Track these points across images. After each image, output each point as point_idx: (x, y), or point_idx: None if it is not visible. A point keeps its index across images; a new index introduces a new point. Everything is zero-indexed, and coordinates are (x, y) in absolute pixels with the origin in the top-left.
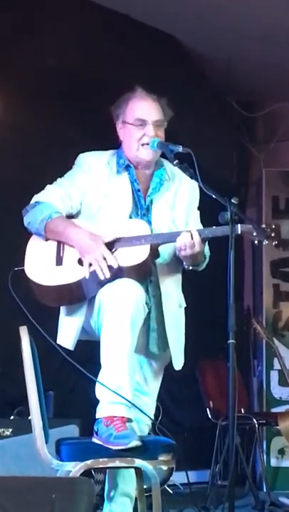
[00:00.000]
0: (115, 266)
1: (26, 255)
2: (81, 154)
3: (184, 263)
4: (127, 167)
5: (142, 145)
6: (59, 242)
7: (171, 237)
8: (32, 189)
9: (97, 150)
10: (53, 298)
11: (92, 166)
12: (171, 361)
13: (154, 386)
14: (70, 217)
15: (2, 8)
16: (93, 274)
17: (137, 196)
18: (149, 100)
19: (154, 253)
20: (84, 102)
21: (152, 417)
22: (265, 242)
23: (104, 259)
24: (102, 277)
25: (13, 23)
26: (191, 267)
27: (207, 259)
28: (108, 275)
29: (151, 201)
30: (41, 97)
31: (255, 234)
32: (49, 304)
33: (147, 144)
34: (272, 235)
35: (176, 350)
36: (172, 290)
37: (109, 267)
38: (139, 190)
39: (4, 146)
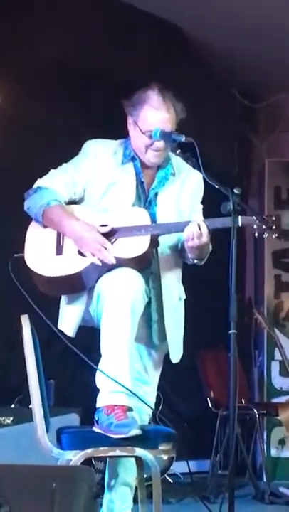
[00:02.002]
0: (115, 253)
1: (26, 243)
2: (88, 141)
3: (189, 255)
4: (133, 158)
5: (151, 150)
6: (59, 232)
7: (172, 227)
8: (32, 178)
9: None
10: (53, 288)
11: (98, 154)
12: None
13: (155, 375)
14: (72, 203)
15: (3, 2)
16: (93, 264)
17: (140, 188)
18: (163, 110)
19: (154, 243)
20: (85, 92)
21: (153, 406)
22: (266, 234)
23: (103, 247)
24: (109, 263)
25: (13, 14)
26: (195, 260)
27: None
28: (114, 261)
29: (156, 194)
30: (41, 86)
31: (255, 226)
32: (49, 293)
33: (156, 151)
34: (273, 227)
35: (175, 343)
36: (172, 283)
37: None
38: (142, 183)
39: (4, 136)
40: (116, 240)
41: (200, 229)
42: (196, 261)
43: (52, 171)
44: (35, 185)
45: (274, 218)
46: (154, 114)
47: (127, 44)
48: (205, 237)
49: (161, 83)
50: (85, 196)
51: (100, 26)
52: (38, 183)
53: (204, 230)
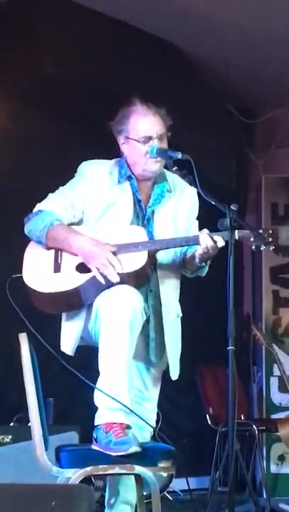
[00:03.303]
0: (120, 271)
1: (24, 263)
2: (83, 163)
3: (197, 260)
4: (129, 177)
5: (150, 158)
6: (56, 250)
7: (169, 243)
8: (32, 197)
9: (99, 158)
10: (51, 305)
11: (94, 175)
12: (167, 369)
13: (154, 392)
14: (71, 225)
15: (2, 17)
16: (91, 280)
17: (138, 207)
18: (150, 115)
19: (152, 259)
20: (85, 110)
21: (154, 424)
22: (263, 247)
23: (110, 263)
24: (114, 281)
25: (13, 33)
26: (203, 263)
27: (207, 266)
28: (118, 279)
29: (153, 212)
30: (42, 106)
31: (252, 239)
32: (47, 311)
33: (155, 158)
34: (270, 239)
35: (174, 360)
36: (171, 300)
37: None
38: (140, 201)
39: (4, 155)
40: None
41: (213, 241)
42: (203, 263)
43: (50, 194)
44: (35, 209)
45: (271, 232)
46: (142, 120)
47: (122, 62)
48: (217, 248)
49: (157, 100)
50: (84, 217)
51: (94, 44)
52: (38, 207)
53: (221, 244)
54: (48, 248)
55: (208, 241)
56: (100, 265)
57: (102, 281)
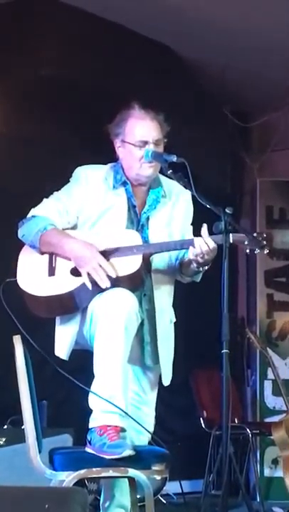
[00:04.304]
0: (113, 275)
1: (18, 266)
2: (78, 168)
3: (195, 265)
4: (124, 183)
5: (144, 163)
6: (51, 253)
7: (163, 246)
8: (29, 200)
9: (97, 161)
10: (45, 308)
11: (90, 180)
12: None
13: (152, 395)
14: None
15: (2, 19)
16: (86, 284)
17: (133, 212)
18: (147, 120)
19: (147, 263)
20: (84, 111)
21: (152, 428)
22: (257, 250)
23: (101, 267)
24: (103, 286)
25: (13, 35)
26: (200, 268)
27: (202, 272)
28: (108, 284)
29: (147, 218)
30: (40, 108)
31: (246, 242)
32: (42, 315)
33: (149, 162)
34: (264, 243)
35: (166, 366)
36: (165, 305)
37: (108, 276)
38: (135, 207)
39: (2, 157)
40: (109, 260)
41: (208, 246)
42: (201, 269)
43: (45, 200)
44: (29, 215)
45: (265, 235)
46: (139, 124)
47: (118, 65)
48: (213, 252)
49: (154, 104)
50: (78, 222)
51: (91, 47)
52: (32, 212)
53: (212, 246)
54: (42, 253)
55: (202, 246)
56: (91, 269)
57: (90, 286)
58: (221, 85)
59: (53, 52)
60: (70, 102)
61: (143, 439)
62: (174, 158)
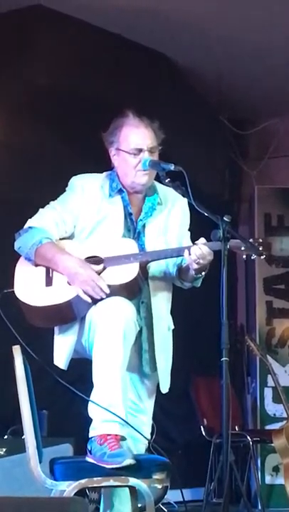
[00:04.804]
0: (107, 291)
1: (15, 277)
2: (74, 177)
3: (194, 272)
4: (120, 191)
5: (139, 171)
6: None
7: (160, 254)
8: (27, 210)
9: (94, 170)
10: (43, 318)
11: (86, 189)
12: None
13: (149, 404)
14: (63, 240)
15: (0, 29)
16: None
17: (129, 220)
18: (142, 127)
19: (144, 271)
20: (82, 121)
21: (148, 436)
22: (254, 256)
23: (96, 285)
24: (98, 297)
25: (11, 45)
26: (199, 274)
27: (202, 277)
28: (104, 296)
29: (144, 226)
30: (38, 118)
31: (243, 248)
32: (40, 325)
33: (144, 170)
34: (261, 248)
35: (164, 373)
36: (163, 313)
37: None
38: (131, 214)
39: (0, 168)
40: (105, 268)
41: (201, 250)
42: (199, 274)
43: (41, 210)
44: (25, 226)
45: (261, 240)
46: (133, 132)
47: (115, 74)
48: (209, 256)
49: (152, 112)
50: (75, 231)
51: (89, 56)
52: (29, 223)
53: (206, 251)
54: (37, 265)
55: (196, 251)
56: (86, 287)
57: (88, 299)
58: (217, 93)
59: (51, 63)
60: (68, 112)
61: (141, 447)
62: (172, 167)
